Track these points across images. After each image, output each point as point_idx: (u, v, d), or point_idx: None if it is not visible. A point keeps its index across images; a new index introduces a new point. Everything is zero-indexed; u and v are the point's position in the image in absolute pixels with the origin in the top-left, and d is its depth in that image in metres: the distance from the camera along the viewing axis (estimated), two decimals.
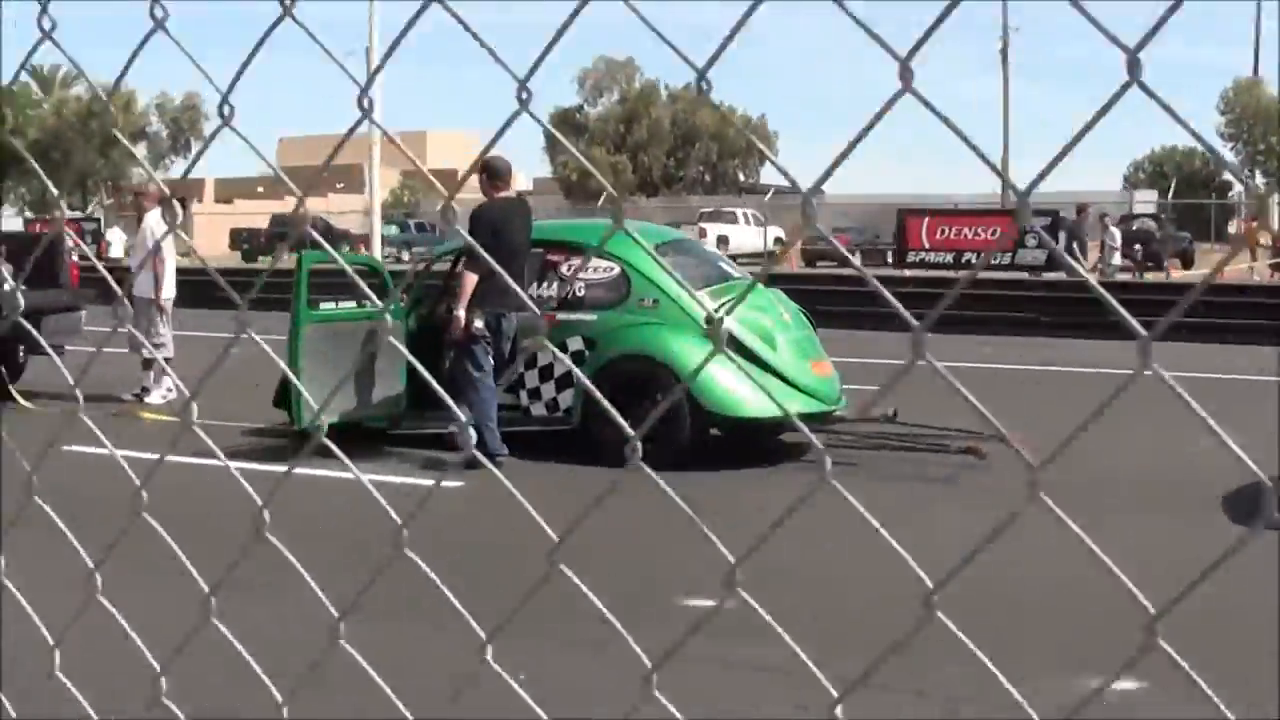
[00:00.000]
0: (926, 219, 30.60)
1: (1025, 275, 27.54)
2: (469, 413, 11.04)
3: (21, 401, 14.68)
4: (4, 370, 15.73)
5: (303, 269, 11.25)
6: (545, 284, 11.80)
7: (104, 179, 78.07)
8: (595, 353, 11.38)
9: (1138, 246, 36.43)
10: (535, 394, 11.61)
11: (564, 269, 11.76)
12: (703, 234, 50.56)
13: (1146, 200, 56.22)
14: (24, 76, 63.88)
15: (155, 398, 15.03)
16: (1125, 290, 25.20)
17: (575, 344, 11.48)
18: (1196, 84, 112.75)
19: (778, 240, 44.53)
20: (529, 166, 72.50)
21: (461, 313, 10.89)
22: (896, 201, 51.72)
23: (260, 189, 76.22)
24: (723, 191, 65.00)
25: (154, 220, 15.17)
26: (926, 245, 30.27)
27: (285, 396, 12.46)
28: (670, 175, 69.14)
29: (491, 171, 11.35)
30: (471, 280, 10.87)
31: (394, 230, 58.86)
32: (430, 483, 10.45)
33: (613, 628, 1.97)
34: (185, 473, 11.14)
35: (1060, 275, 26.74)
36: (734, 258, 44.22)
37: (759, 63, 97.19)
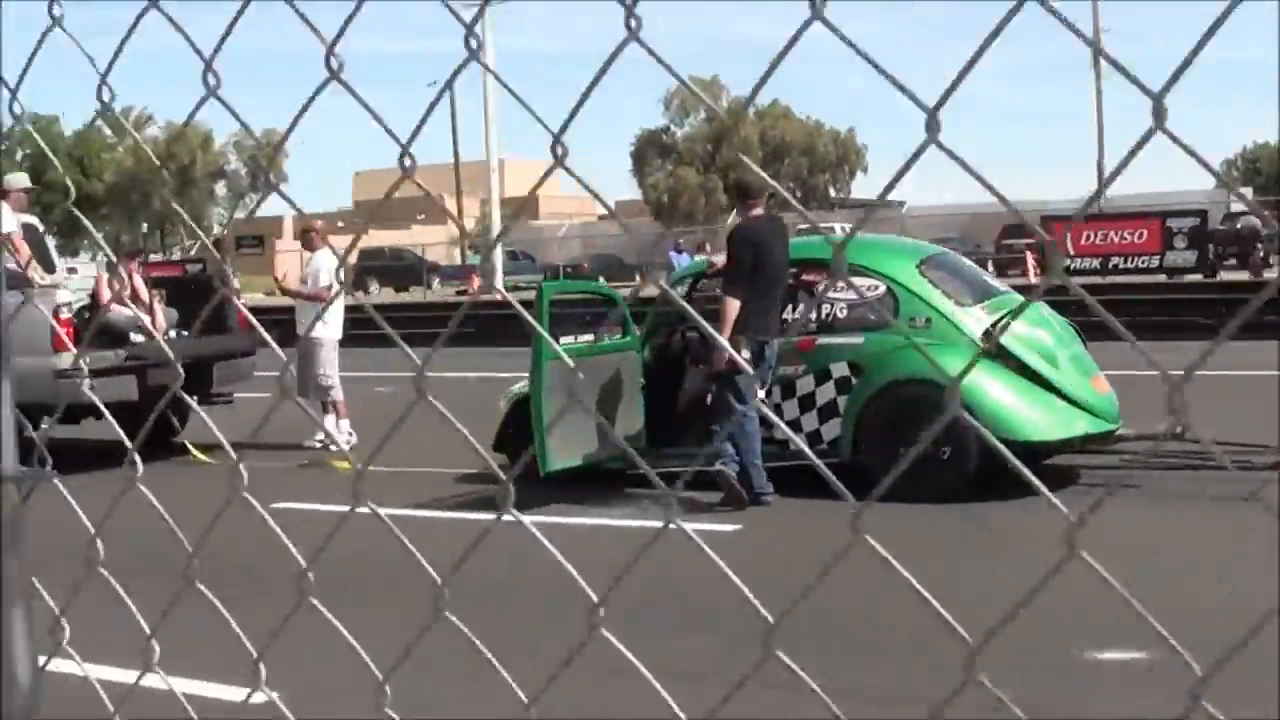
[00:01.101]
0: (1072, 225, 29.46)
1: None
2: (731, 449, 10.04)
3: (196, 454, 13.77)
4: (173, 420, 14.87)
5: (544, 300, 10.29)
6: (798, 306, 10.74)
7: (182, 221, 77.79)
8: (864, 378, 10.33)
9: (1259, 246, 35.09)
10: (795, 426, 10.56)
11: (821, 289, 10.71)
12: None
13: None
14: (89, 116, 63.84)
15: (313, 441, 14.10)
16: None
17: (840, 370, 10.44)
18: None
19: None
20: (613, 189, 71.63)
21: (725, 341, 9.83)
22: (988, 211, 50.92)
23: (340, 224, 75.71)
24: (813, 207, 63.86)
25: (323, 257, 14.29)
26: (1072, 252, 29.10)
27: (507, 439, 11.50)
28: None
29: (744, 189, 10.37)
30: (734, 306, 9.85)
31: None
32: (703, 528, 9.44)
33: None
34: (404, 526, 10.36)
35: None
36: None
37: (844, 74, 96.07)
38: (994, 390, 9.99)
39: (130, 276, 14.62)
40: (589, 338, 10.95)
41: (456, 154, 60.54)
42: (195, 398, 14.20)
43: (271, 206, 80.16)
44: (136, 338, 14.10)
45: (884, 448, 10.02)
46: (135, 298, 14.61)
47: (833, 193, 68.43)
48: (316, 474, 12.77)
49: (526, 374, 12.81)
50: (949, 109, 1.29)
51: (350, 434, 14.20)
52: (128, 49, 1.91)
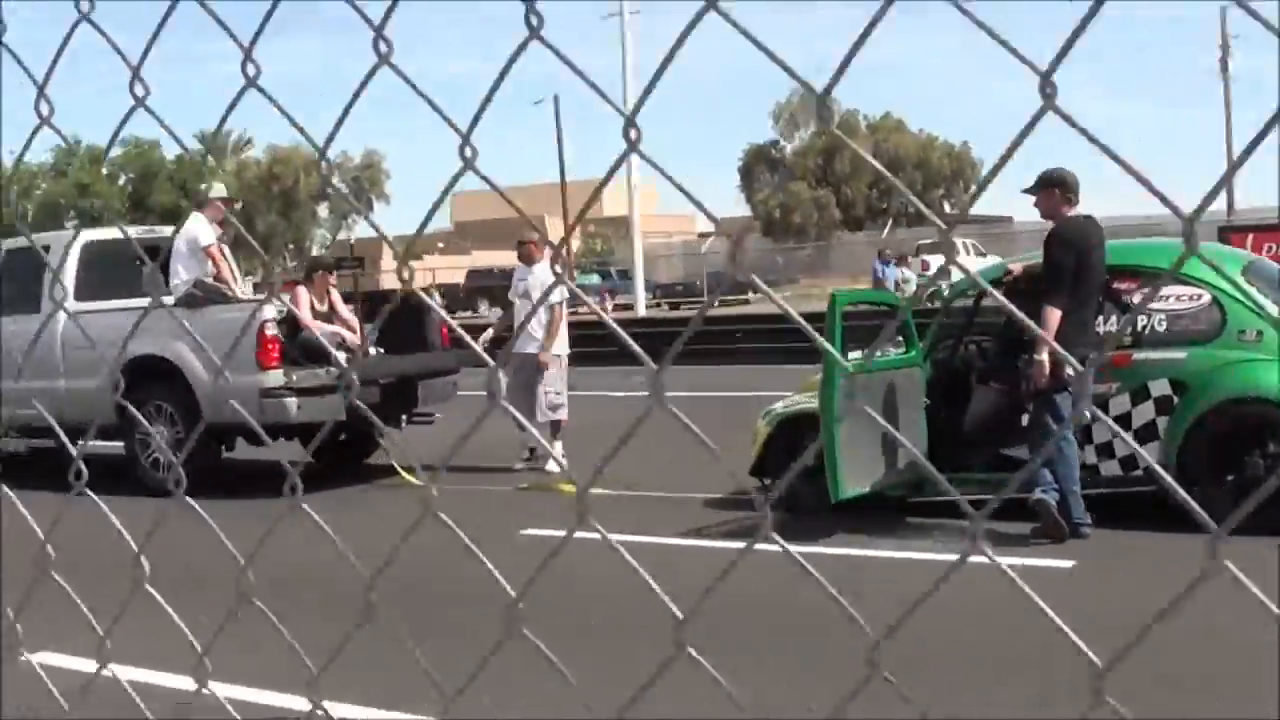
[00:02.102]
0: (1251, 235, 28.16)
1: None
2: (1049, 475, 9.09)
3: (406, 476, 12.98)
4: (379, 437, 14.14)
5: (836, 310, 9.37)
6: (1108, 318, 9.74)
7: (286, 242, 77.73)
8: (1189, 397, 9.33)
9: None
10: (1106, 450, 9.59)
11: (1135, 299, 9.71)
12: (925, 266, 48.83)
13: None
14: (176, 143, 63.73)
15: (551, 465, 13.25)
16: None
17: (1160, 388, 9.44)
18: None
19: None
20: (721, 205, 70.52)
21: (1045, 356, 8.90)
22: (1118, 224, 49.52)
23: (441, 244, 75.28)
24: (928, 222, 62.49)
25: (542, 271, 13.48)
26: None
27: (767, 463, 10.64)
28: (874, 207, 66.95)
29: (1062, 183, 9.35)
30: (1055, 316, 8.88)
31: (594, 279, 57.50)
32: (1028, 563, 8.51)
33: None
34: (645, 555, 9.51)
35: None
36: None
37: (958, 88, 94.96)
38: None
39: (328, 291, 13.91)
40: (858, 353, 10.04)
41: (563, 172, 59.72)
42: (402, 418, 13.66)
43: (370, 228, 79.69)
44: (338, 355, 13.36)
45: (1215, 473, 9.04)
46: (333, 313, 13.89)
47: (947, 208, 67.09)
48: (542, 498, 11.93)
49: (782, 392, 12.01)
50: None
51: (563, 456, 13.36)
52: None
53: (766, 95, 62.24)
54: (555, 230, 65.70)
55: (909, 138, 66.11)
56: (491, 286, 56.53)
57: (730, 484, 11.50)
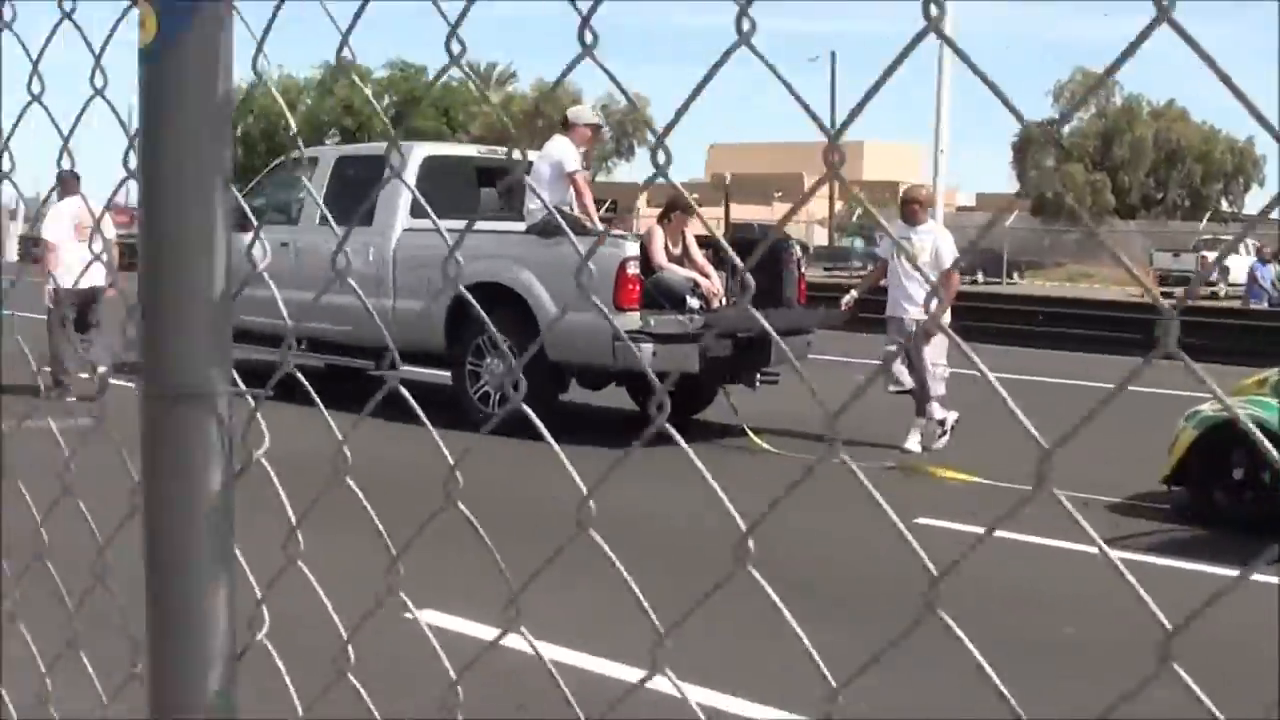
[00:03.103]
0: None
1: None
2: None
3: (755, 440, 12.28)
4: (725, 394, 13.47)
5: None
6: None
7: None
8: None
9: None
10: None
11: None
12: (1204, 262, 46.83)
13: None
14: (453, 74, 63.65)
15: (912, 443, 12.37)
16: None
17: None
18: None
19: None
20: (986, 181, 68.71)
21: None
22: None
23: (696, 196, 74.58)
24: (1200, 217, 60.08)
25: (932, 231, 12.71)
26: None
27: (1188, 471, 9.71)
28: (1149, 197, 64.43)
29: None
30: None
31: (859, 244, 56.31)
32: None
33: None
34: (1036, 558, 8.59)
35: None
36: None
37: (1243, 80, 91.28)
38: None
39: (682, 234, 13.22)
40: None
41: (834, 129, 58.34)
42: (756, 376, 12.93)
43: (629, 172, 79.23)
44: (692, 302, 12.69)
45: None
46: (687, 257, 13.20)
47: (1224, 204, 64.38)
48: (912, 480, 11.09)
49: (1210, 394, 11.03)
50: None
51: (944, 433, 12.50)
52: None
53: (1049, 72, 60.14)
54: (823, 190, 64.57)
55: (1192, 128, 63.33)
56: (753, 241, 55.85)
57: (1129, 488, 10.56)
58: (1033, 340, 24.49)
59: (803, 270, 13.80)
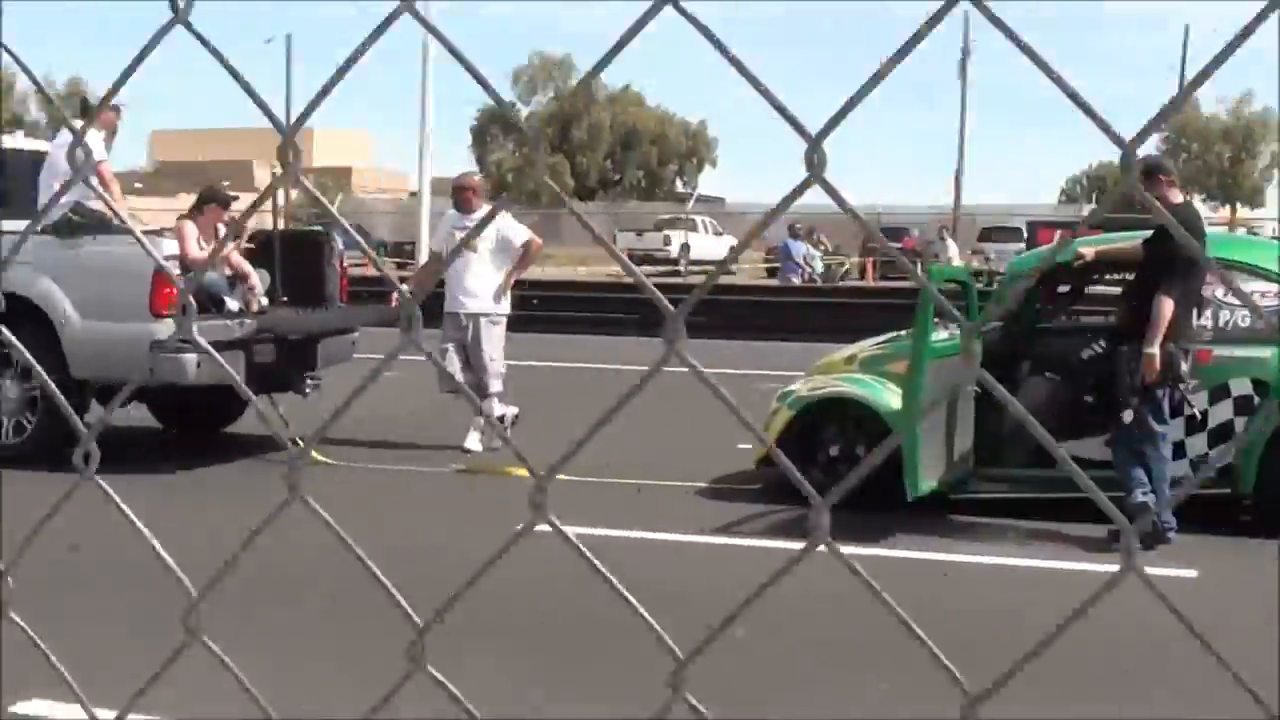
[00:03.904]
0: (1058, 233, 28.62)
1: None
2: (1144, 476, 8.41)
3: (317, 456, 11.44)
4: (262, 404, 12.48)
5: (932, 290, 8.46)
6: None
7: None
8: (1271, 399, 8.78)
9: None
10: (1179, 449, 8.94)
11: (1218, 293, 9.07)
12: (667, 240, 48.70)
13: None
14: None
15: (473, 443, 11.87)
16: None
17: (1241, 387, 8.87)
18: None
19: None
20: (450, 165, 68.64)
21: (1157, 349, 8.20)
22: (823, 212, 50.23)
23: (138, 185, 71.35)
24: (659, 197, 62.43)
25: (500, 220, 12.23)
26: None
27: (786, 452, 9.69)
28: (607, 179, 66.28)
29: (1165, 169, 8.71)
30: (1169, 308, 8.18)
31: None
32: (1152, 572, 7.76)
33: None
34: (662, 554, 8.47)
35: None
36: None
37: (701, 68, 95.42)
38: None
39: (216, 230, 12.16)
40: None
41: (288, 116, 56.94)
42: (307, 381, 12.06)
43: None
44: (231, 304, 11.71)
45: None
46: (222, 254, 12.17)
47: (680, 185, 67.06)
48: (491, 483, 10.64)
49: (792, 372, 11.08)
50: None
51: (508, 428, 12.03)
52: None
53: (505, 58, 60.96)
54: (262, 178, 62.98)
55: (647, 112, 65.72)
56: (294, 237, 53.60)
57: (710, 472, 10.52)
58: (534, 325, 24.49)
59: (344, 266, 13.07)
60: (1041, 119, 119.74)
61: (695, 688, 1.23)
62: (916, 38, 1.11)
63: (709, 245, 49.30)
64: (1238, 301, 8.92)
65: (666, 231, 49.72)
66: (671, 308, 1.18)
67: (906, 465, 8.31)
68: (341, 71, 1.29)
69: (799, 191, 1.15)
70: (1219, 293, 8.95)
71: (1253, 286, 8.98)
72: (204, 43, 1.33)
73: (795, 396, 9.72)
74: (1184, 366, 8.40)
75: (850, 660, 6.36)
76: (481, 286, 11.70)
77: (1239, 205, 55.04)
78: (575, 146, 63.93)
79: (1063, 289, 10.33)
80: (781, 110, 1.14)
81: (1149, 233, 9.06)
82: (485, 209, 12.16)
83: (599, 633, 6.01)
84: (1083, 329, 10.20)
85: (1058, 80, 1.08)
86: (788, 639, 6.31)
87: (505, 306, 11.93)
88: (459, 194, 12.14)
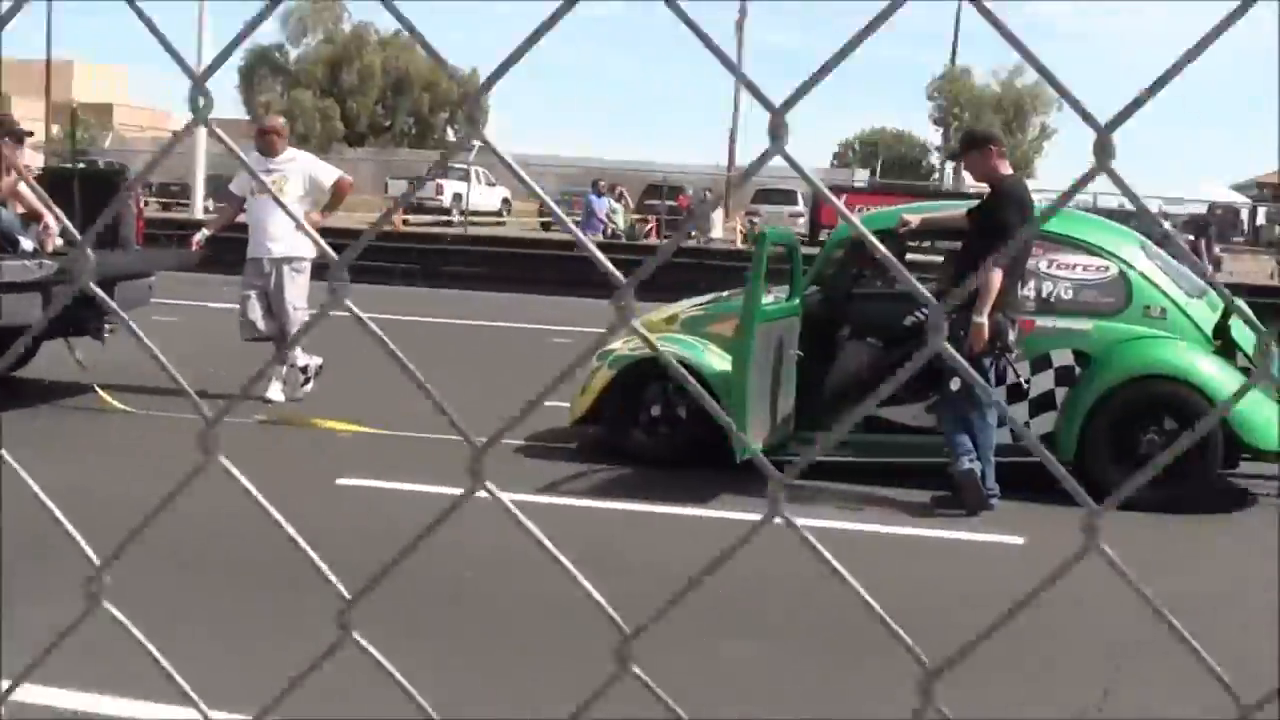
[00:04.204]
0: (844, 196, 28.99)
1: None
2: (969, 443, 8.57)
3: (106, 399, 11.02)
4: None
5: (764, 249, 8.55)
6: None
7: None
8: (1094, 371, 9.03)
9: None
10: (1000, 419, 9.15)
11: (1044, 265, 9.26)
12: (439, 190, 48.00)
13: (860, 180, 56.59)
14: None
15: (275, 393, 11.53)
16: None
17: (1063, 358, 9.11)
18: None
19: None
20: (220, 107, 66.63)
21: (985, 319, 8.34)
22: (603, 167, 50.58)
23: None
24: (430, 145, 61.58)
25: (302, 160, 11.93)
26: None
27: (604, 413, 9.69)
28: (378, 125, 65.11)
29: (995, 140, 8.85)
30: (999, 277, 8.32)
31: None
32: (976, 538, 7.97)
33: None
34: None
35: None
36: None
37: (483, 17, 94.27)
38: (1253, 393, 8.96)
39: (14, 167, 11.57)
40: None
41: (49, 50, 54.61)
42: (105, 327, 11.55)
43: None
44: (26, 244, 11.19)
45: (1115, 448, 8.83)
46: (15, 191, 11.60)
47: (451, 134, 66.10)
48: (297, 434, 10.36)
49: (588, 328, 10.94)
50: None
51: (308, 382, 11.73)
52: None
53: None
54: (28, 112, 60.25)
55: (419, 57, 64.65)
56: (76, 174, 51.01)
57: (526, 429, 10.37)
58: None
59: (141, 207, 12.56)
60: (822, 83, 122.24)
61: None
62: (886, 15, 1.07)
63: (482, 196, 48.87)
64: (1060, 273, 9.15)
65: (439, 181, 49.03)
66: (622, 278, 1.15)
67: (737, 427, 8.34)
68: None
69: (763, 160, 1.12)
70: (1042, 265, 9.15)
71: (1077, 260, 9.19)
72: None
73: (616, 356, 9.65)
74: (1011, 336, 8.58)
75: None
76: (286, 230, 11.36)
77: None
78: (345, 91, 62.68)
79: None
80: (749, 86, 1.11)
81: (973, 202, 9.24)
82: (289, 152, 11.83)
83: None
84: (903, 296, 10.34)
85: (1037, 65, 1.07)
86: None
87: (311, 251, 11.59)
88: (262, 137, 11.79)
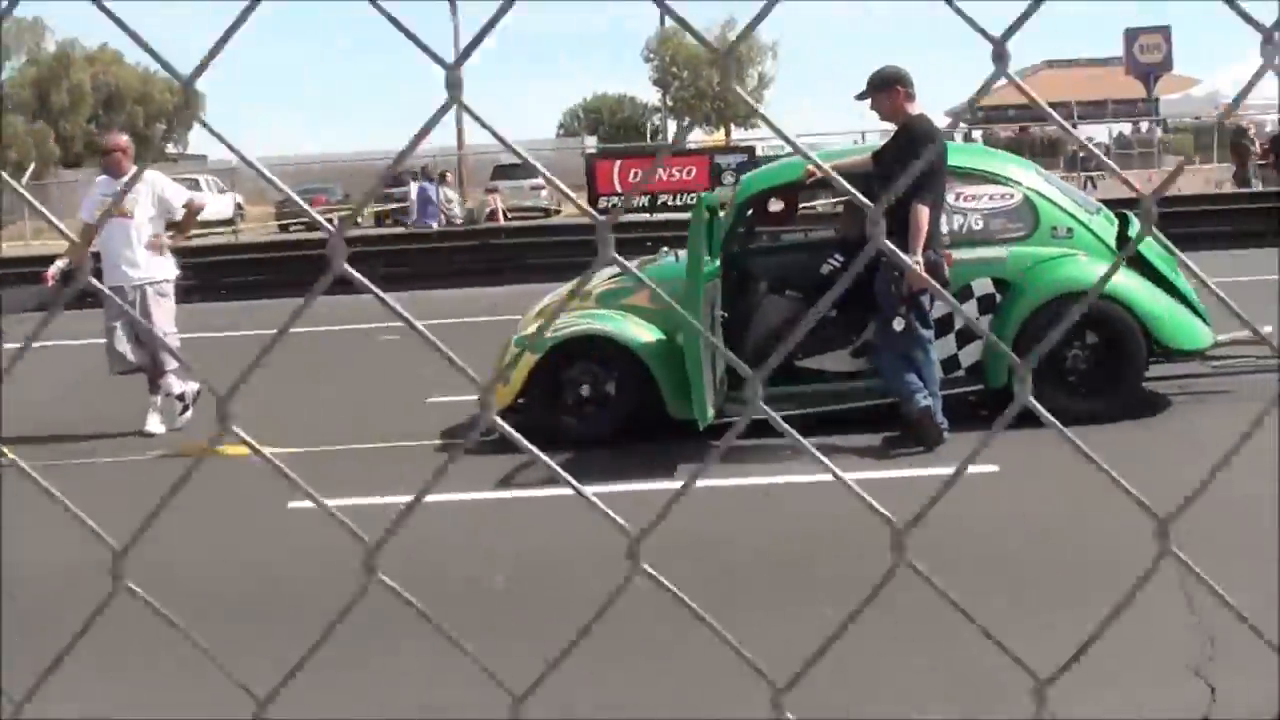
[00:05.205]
0: (618, 163, 28.99)
1: None
2: (917, 381, 8.72)
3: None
4: None
5: (701, 211, 8.54)
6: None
7: None
8: (1015, 296, 9.28)
9: None
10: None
11: (953, 199, 9.43)
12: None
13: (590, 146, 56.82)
14: None
15: (154, 425, 11.04)
16: None
17: (983, 287, 9.34)
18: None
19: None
20: None
21: (920, 256, 8.46)
22: (340, 160, 49.95)
23: None
24: (148, 159, 59.38)
25: (163, 183, 11.44)
26: (619, 189, 28.48)
27: (534, 395, 9.53)
28: (95, 144, 62.61)
29: (904, 80, 8.94)
30: (926, 215, 8.46)
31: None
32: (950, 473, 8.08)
33: None
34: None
35: None
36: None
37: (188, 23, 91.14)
38: (1159, 299, 9.35)
39: None
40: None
41: None
42: None
43: None
44: None
45: (1043, 368, 9.06)
46: None
47: (170, 146, 64.04)
48: (230, 464, 9.89)
49: (519, 315, 10.71)
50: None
51: (187, 409, 11.25)
52: None
53: None
54: None
55: (128, 70, 62.55)
56: None
57: (435, 427, 10.18)
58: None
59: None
60: (539, 56, 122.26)
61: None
62: None
63: (213, 203, 47.69)
64: (968, 205, 9.36)
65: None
66: (599, 216, 1.18)
67: (695, 395, 8.34)
68: None
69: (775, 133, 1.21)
70: (951, 198, 9.33)
71: (983, 190, 9.40)
72: None
73: (539, 340, 9.48)
74: (946, 271, 8.73)
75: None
76: (143, 254, 10.92)
77: (733, 127, 57.26)
78: (57, 112, 60.25)
79: (774, 208, 10.54)
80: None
81: (875, 145, 9.38)
82: (134, 168, 11.33)
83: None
84: (812, 244, 10.46)
85: None
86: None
87: (171, 271, 11.18)
88: (108, 157, 11.26)
